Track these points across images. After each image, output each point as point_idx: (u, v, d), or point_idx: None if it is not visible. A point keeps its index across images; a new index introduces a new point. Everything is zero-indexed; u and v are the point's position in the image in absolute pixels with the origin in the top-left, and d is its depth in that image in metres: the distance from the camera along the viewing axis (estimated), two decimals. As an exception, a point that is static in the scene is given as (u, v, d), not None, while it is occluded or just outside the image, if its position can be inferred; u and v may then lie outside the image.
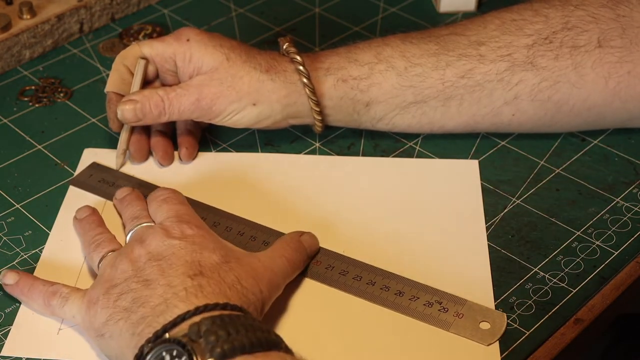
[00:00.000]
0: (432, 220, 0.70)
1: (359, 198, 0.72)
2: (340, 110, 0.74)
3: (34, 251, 0.69)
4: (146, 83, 0.75)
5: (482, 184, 0.73)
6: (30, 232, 0.70)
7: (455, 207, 0.71)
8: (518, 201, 0.72)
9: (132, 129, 0.75)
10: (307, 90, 0.72)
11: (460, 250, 0.68)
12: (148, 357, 0.52)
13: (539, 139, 0.77)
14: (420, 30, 0.76)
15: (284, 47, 0.74)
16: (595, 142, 0.77)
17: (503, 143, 0.77)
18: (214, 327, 0.51)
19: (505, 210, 0.71)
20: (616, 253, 0.67)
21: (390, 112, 0.74)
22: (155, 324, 0.55)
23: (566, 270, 0.66)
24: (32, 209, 0.72)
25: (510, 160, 0.76)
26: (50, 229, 0.70)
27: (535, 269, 0.66)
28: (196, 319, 0.53)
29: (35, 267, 0.67)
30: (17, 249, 0.69)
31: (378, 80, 0.72)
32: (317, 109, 0.72)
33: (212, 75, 0.72)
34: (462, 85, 0.72)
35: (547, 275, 0.66)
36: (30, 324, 0.63)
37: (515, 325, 0.62)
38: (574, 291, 0.65)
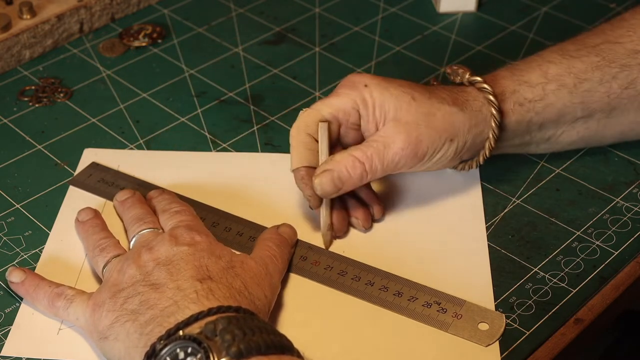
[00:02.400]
0: (432, 221, 0.70)
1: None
2: (515, 134, 0.71)
3: (34, 251, 0.69)
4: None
5: (482, 184, 0.73)
6: (30, 232, 0.70)
7: (455, 207, 0.71)
8: (518, 201, 0.72)
9: (333, 202, 0.68)
10: (493, 120, 0.68)
11: (460, 250, 0.68)
12: (162, 353, 0.52)
13: (539, 139, 0.77)
14: (566, 41, 0.73)
15: (467, 76, 0.70)
16: (596, 142, 0.77)
17: (503, 143, 0.77)
18: (230, 326, 0.51)
19: (505, 210, 0.71)
20: (616, 253, 0.67)
21: (559, 129, 0.72)
22: (166, 323, 0.54)
23: (566, 270, 0.66)
24: (32, 209, 0.72)
25: (510, 160, 0.76)
26: (50, 228, 0.70)
27: (535, 269, 0.66)
28: (211, 318, 0.53)
29: (35, 267, 0.67)
30: (17, 249, 0.69)
31: (551, 100, 0.70)
32: (496, 136, 0.69)
33: (406, 119, 0.66)
34: (626, 95, 0.71)
35: (547, 275, 0.66)
36: (30, 324, 0.63)
37: (515, 325, 0.62)
38: (574, 291, 0.64)
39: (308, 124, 0.67)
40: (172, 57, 0.89)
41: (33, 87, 0.85)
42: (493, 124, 0.68)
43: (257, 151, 0.77)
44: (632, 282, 0.65)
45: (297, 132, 0.67)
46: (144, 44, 0.90)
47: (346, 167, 0.65)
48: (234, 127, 0.80)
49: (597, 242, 0.68)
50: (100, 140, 0.79)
